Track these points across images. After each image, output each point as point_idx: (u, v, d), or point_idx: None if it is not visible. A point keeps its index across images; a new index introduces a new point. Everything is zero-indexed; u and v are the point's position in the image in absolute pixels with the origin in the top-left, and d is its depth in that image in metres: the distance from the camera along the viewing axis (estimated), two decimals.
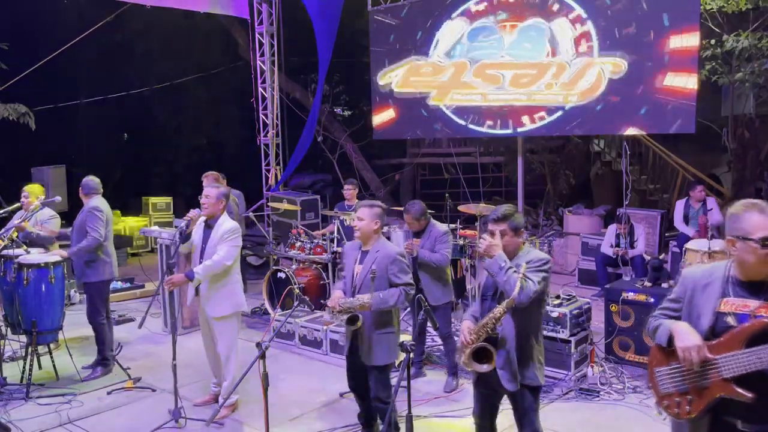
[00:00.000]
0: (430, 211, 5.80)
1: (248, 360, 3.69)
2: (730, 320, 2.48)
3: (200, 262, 4.88)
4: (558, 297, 5.60)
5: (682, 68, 6.85)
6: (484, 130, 8.58)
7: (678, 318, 2.66)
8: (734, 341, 2.42)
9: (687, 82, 6.84)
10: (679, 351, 2.50)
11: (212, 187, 4.98)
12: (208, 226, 4.94)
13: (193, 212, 4.90)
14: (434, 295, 5.27)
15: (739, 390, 2.39)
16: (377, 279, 4.04)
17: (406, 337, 5.30)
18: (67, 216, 6.03)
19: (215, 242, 4.84)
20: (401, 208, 5.76)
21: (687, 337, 2.49)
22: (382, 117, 9.57)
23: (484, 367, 3.29)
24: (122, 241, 11.46)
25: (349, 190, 7.91)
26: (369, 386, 4.20)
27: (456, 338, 5.92)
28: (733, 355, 2.40)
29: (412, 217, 5.41)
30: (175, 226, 8.04)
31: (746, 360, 2.37)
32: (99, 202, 5.75)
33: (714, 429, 2.52)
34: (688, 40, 6.83)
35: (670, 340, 2.58)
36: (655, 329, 2.70)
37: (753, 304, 2.45)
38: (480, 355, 3.31)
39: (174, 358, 4.73)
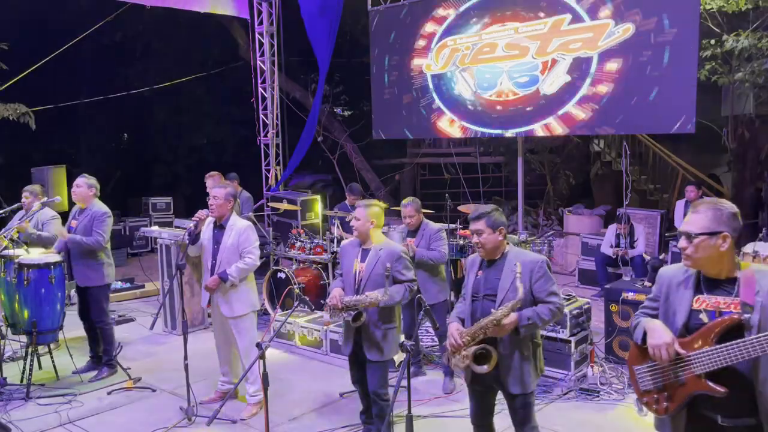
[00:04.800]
0: (430, 211, 5.83)
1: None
2: (703, 317, 2.53)
3: (211, 263, 4.90)
4: None
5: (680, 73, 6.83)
6: (485, 130, 8.59)
7: (656, 316, 2.71)
8: (705, 338, 2.47)
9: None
10: (650, 348, 2.57)
11: (219, 187, 4.98)
12: (220, 226, 4.95)
13: (201, 213, 4.91)
14: (431, 293, 5.30)
15: (712, 385, 2.44)
16: (380, 276, 4.09)
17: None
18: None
19: (230, 243, 4.86)
20: (395, 208, 5.80)
21: (658, 334, 2.56)
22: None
23: (484, 368, 3.29)
24: (122, 241, 11.48)
25: (351, 199, 7.90)
26: (368, 381, 4.24)
27: None
28: (704, 351, 2.45)
29: (414, 209, 5.46)
30: (176, 227, 8.06)
31: (716, 356, 2.42)
32: (104, 205, 5.76)
33: (695, 424, 2.57)
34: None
35: (645, 337, 2.64)
36: (634, 327, 2.76)
37: (723, 300, 2.51)
38: (480, 356, 3.31)
39: (186, 357, 4.75)
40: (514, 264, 3.36)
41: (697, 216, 2.53)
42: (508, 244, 3.52)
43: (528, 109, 8.06)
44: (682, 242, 2.54)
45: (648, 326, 2.63)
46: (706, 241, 2.48)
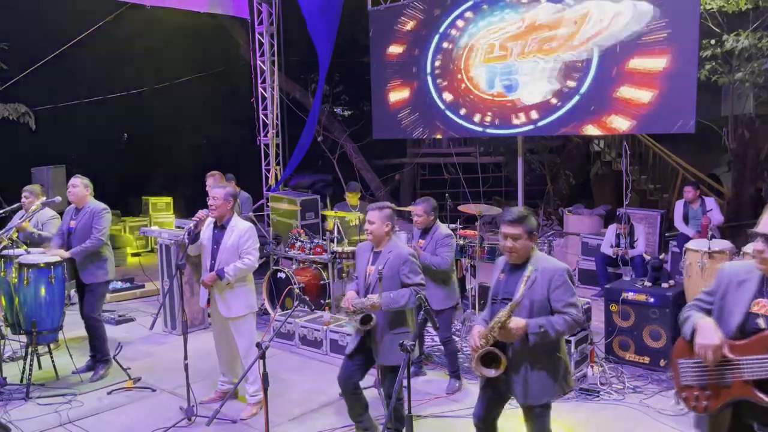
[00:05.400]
0: None
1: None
2: (761, 322, 2.43)
3: (210, 263, 4.90)
4: None
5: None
6: (487, 130, 8.58)
7: (710, 311, 2.61)
8: (761, 344, 2.38)
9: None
10: (697, 347, 2.48)
11: (219, 187, 4.96)
12: (220, 227, 4.94)
13: (201, 213, 4.90)
14: (437, 299, 5.14)
15: (759, 394, 2.35)
16: (388, 279, 4.08)
17: None
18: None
19: (231, 244, 4.85)
20: (401, 208, 5.76)
21: (708, 334, 2.46)
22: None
23: (492, 372, 3.26)
24: (122, 241, 11.48)
25: (350, 197, 7.87)
26: (385, 384, 4.25)
27: (456, 339, 5.93)
28: (758, 358, 2.36)
29: (422, 209, 5.36)
30: (176, 227, 8.06)
31: None
32: (100, 203, 5.78)
33: (732, 428, 2.50)
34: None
35: (693, 334, 2.54)
36: (684, 320, 2.65)
37: None
38: (488, 359, 3.28)
39: (185, 357, 4.75)
40: (534, 269, 3.27)
41: None
42: (534, 248, 3.42)
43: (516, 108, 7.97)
44: (760, 245, 2.41)
45: (698, 324, 2.52)
46: None
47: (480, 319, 3.55)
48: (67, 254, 5.62)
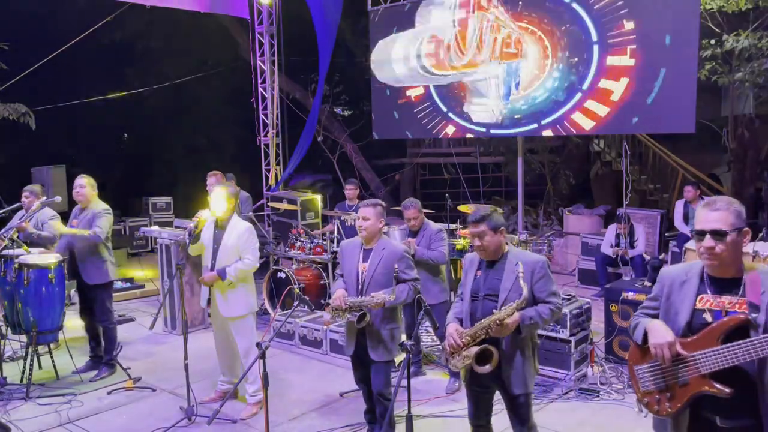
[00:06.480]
0: (430, 211, 5.83)
1: None
2: (707, 317, 2.51)
3: (211, 263, 4.92)
4: None
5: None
6: (485, 130, 8.59)
7: (657, 316, 2.70)
8: (711, 337, 2.45)
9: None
10: (651, 348, 2.56)
11: (221, 187, 5.00)
12: (220, 226, 4.95)
13: (201, 213, 4.91)
14: (431, 294, 5.27)
15: (718, 386, 2.42)
16: (383, 276, 4.09)
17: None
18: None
19: (230, 244, 4.86)
20: (394, 207, 5.79)
21: (659, 333, 2.55)
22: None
23: (487, 368, 3.28)
24: (122, 241, 11.48)
25: (351, 190, 7.92)
26: (372, 381, 4.24)
27: None
28: (711, 351, 2.43)
29: (417, 210, 5.45)
30: (176, 227, 8.06)
31: (724, 356, 2.40)
32: (104, 203, 5.79)
33: (694, 425, 2.55)
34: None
35: (645, 337, 2.62)
36: (634, 327, 2.75)
37: (729, 300, 2.48)
38: (481, 357, 3.30)
39: (185, 357, 4.75)
40: (515, 264, 3.37)
41: (721, 213, 2.44)
42: (507, 244, 3.52)
43: (530, 111, 8.01)
44: (709, 242, 2.44)
45: (649, 326, 2.62)
46: (736, 239, 2.44)
47: (452, 317, 3.57)
48: (65, 230, 5.66)
